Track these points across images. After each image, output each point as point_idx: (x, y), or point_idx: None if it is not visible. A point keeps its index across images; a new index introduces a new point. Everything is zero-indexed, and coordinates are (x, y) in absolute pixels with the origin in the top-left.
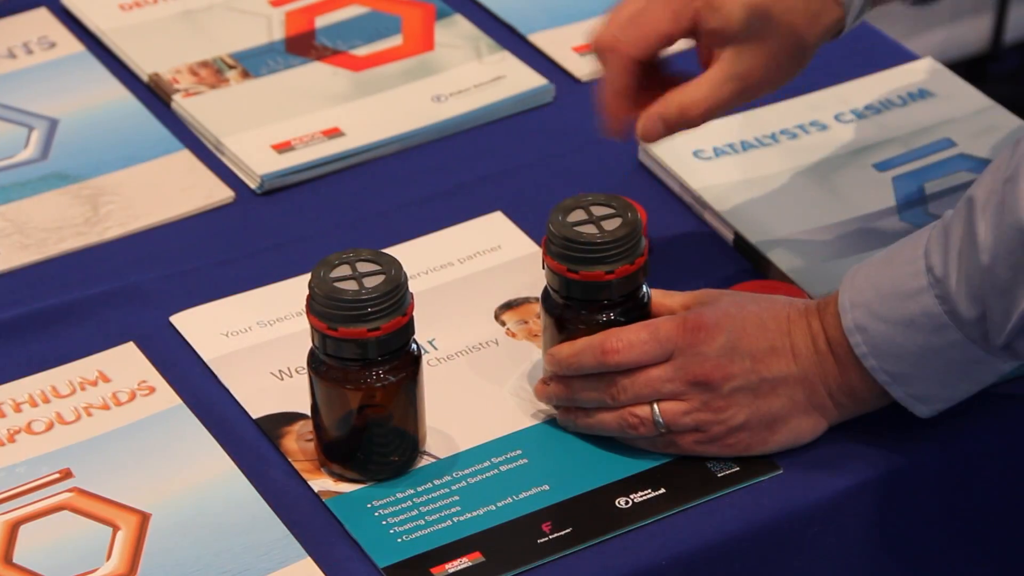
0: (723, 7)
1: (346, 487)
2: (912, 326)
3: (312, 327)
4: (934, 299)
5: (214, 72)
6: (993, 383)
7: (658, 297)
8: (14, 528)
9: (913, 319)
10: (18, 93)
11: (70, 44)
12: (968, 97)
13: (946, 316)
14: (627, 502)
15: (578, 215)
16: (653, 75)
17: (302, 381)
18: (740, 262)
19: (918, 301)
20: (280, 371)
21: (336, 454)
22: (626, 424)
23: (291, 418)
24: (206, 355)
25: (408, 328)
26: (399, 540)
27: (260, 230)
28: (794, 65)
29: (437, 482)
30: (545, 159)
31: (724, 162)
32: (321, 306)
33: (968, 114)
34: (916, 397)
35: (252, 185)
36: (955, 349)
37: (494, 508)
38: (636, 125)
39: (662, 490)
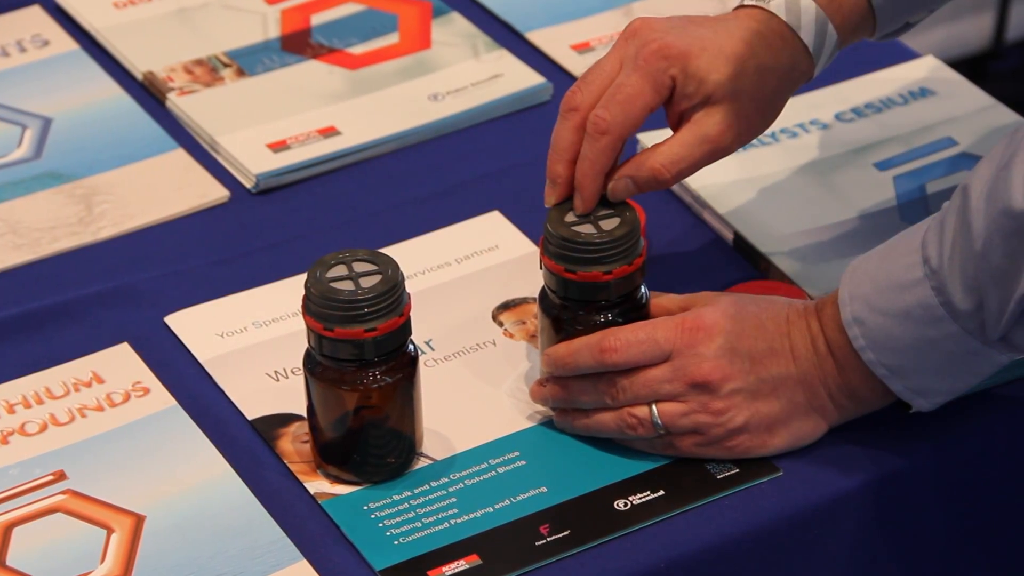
0: (698, 72)
1: (342, 489)
2: (909, 318)
3: (308, 328)
4: (930, 291)
5: (209, 70)
6: (994, 381)
7: (657, 299)
8: (7, 531)
9: (910, 311)
10: (11, 91)
11: (64, 42)
12: (970, 95)
13: (942, 308)
14: (626, 504)
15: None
16: None
17: (298, 382)
18: (739, 262)
19: (914, 293)
20: (276, 372)
21: (332, 456)
22: (624, 425)
23: (287, 419)
24: (201, 356)
25: (405, 329)
26: (396, 543)
27: (255, 230)
28: (766, 120)
29: (434, 484)
30: (543, 158)
31: (723, 161)
32: (317, 306)
33: (970, 112)
34: (915, 391)
35: (247, 184)
36: (952, 341)
37: (491, 510)
38: (607, 186)
39: (661, 492)
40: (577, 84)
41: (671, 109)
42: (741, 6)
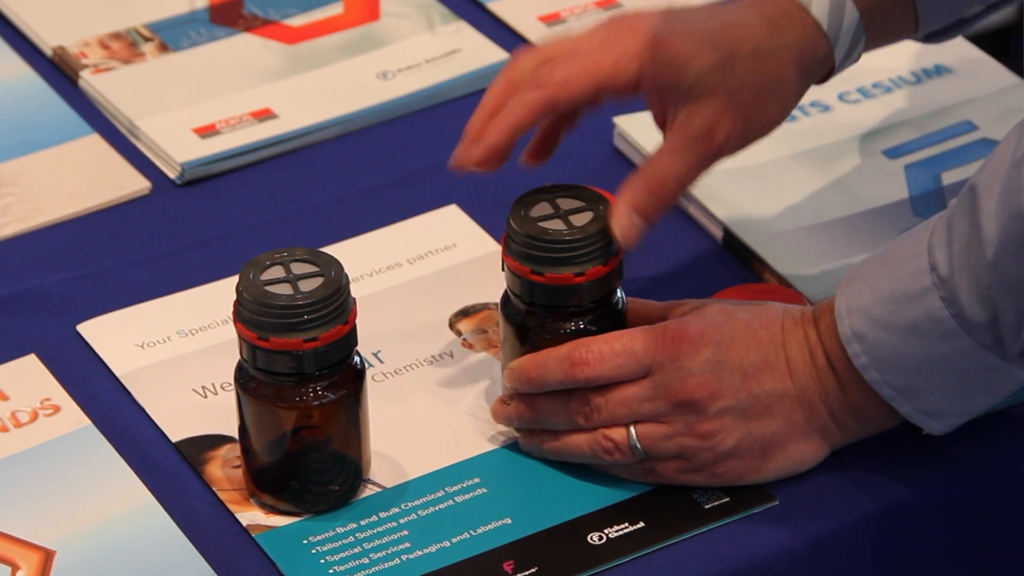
0: (676, 59)
1: (279, 520)
2: (916, 332)
3: (240, 337)
4: (939, 301)
5: (128, 45)
6: (1012, 401)
7: (635, 306)
8: None
9: (917, 325)
10: None
11: None
12: (991, 74)
13: (953, 320)
14: (601, 537)
15: (543, 209)
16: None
17: (228, 399)
18: (730, 263)
19: (921, 304)
20: (203, 388)
21: (267, 483)
22: (599, 449)
23: (216, 441)
24: (118, 369)
25: (350, 338)
26: None
27: (180, 226)
28: (770, 113)
29: (383, 515)
30: None
31: None
32: (250, 313)
33: (991, 93)
34: (926, 413)
35: (171, 175)
36: (966, 357)
37: (448, 544)
38: (613, 229)
39: (641, 524)
40: (534, 46)
41: (654, 106)
42: None
